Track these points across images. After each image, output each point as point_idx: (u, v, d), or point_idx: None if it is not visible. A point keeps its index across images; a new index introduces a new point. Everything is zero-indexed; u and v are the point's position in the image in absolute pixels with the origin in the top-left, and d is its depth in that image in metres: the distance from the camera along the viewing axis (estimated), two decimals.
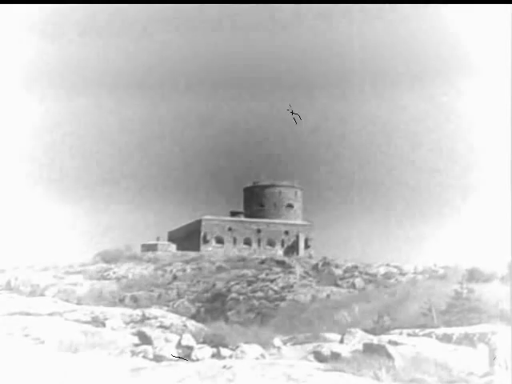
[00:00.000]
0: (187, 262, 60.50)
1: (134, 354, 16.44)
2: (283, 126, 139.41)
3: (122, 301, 47.29)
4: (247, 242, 75.81)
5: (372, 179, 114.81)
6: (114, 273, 57.48)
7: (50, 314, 21.71)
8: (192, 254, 66.49)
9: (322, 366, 14.37)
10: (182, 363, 15.02)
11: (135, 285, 53.49)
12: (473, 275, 36.32)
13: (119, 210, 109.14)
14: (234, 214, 79.84)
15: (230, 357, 15.56)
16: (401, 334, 18.97)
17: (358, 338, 17.62)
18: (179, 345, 16.53)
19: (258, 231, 76.38)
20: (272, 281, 50.13)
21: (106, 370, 13.91)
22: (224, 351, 15.88)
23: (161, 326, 21.66)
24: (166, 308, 39.16)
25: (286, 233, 76.98)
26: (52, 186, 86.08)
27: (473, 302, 23.98)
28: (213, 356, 15.72)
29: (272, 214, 79.39)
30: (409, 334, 18.55)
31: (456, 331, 17.65)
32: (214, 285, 51.28)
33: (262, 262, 59.38)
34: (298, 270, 54.80)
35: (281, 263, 58.06)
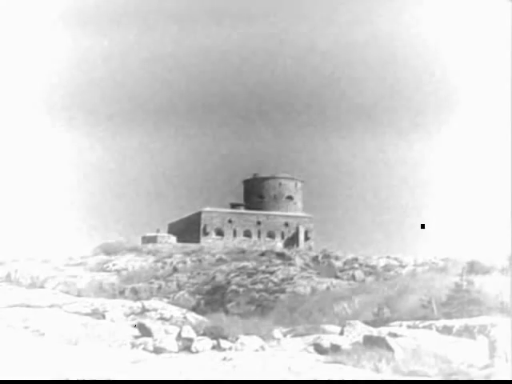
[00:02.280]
0: (187, 254, 60.53)
1: (134, 345, 16.44)
2: (283, 116, 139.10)
3: (122, 293, 47.33)
4: (247, 234, 75.92)
5: (372, 171, 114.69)
6: (114, 265, 57.51)
7: (50, 306, 21.72)
8: (192, 246, 66.56)
9: (322, 357, 14.38)
10: (183, 355, 15.03)
11: (135, 277, 53.52)
12: (473, 267, 36.32)
13: (119, 202, 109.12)
14: (234, 205, 79.90)
15: (230, 349, 15.56)
16: (401, 326, 18.97)
17: (358, 330, 17.62)
18: (179, 337, 16.52)
19: (258, 223, 76.46)
20: (272, 273, 50.15)
21: (106, 361, 13.91)
22: (224, 343, 15.88)
23: (161, 318, 21.67)
24: (166, 300, 39.20)
25: (286, 225, 77.05)
26: (51, 178, 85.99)
27: (473, 294, 23.98)
28: (213, 348, 15.71)
29: (272, 206, 79.47)
30: (409, 326, 18.56)
31: (456, 323, 17.65)
32: (213, 277, 51.32)
33: (262, 254, 59.43)
34: (298, 262, 54.83)
35: (281, 255, 58.10)
